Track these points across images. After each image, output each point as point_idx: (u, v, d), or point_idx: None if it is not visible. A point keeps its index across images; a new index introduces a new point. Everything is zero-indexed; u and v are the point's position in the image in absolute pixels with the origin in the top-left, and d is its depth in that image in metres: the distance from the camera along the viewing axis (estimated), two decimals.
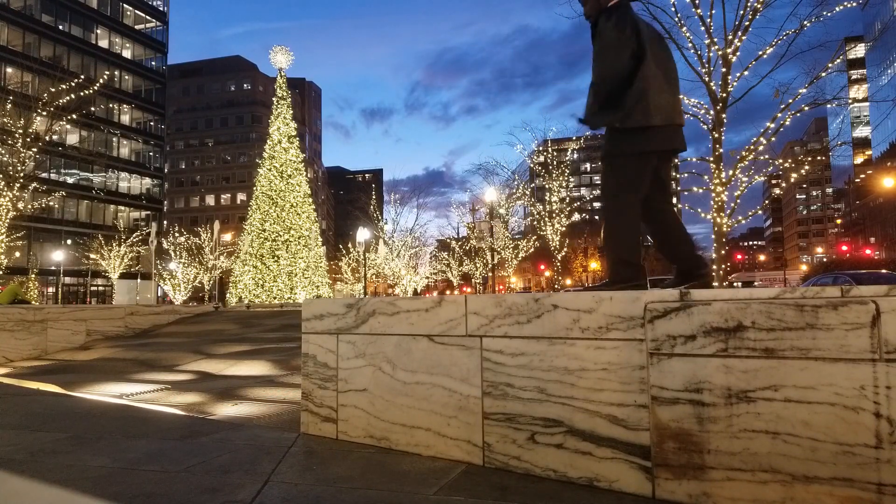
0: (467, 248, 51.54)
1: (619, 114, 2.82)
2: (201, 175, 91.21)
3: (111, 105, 56.72)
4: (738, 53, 15.55)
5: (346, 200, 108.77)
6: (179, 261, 47.03)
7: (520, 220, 52.50)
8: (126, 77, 59.56)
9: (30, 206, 32.95)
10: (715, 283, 17.35)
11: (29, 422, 3.50)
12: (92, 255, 44.57)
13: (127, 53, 60.30)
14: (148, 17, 63.51)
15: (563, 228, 38.64)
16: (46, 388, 5.40)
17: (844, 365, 1.71)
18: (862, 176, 71.12)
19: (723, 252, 16.55)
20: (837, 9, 15.44)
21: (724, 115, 15.66)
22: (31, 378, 6.18)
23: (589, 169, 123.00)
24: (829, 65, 15.85)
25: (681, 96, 3.22)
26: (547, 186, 40.37)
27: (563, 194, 40.04)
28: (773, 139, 16.26)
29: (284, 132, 33.25)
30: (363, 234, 39.66)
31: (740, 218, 17.00)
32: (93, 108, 47.43)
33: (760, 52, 15.70)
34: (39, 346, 8.62)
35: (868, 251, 62.39)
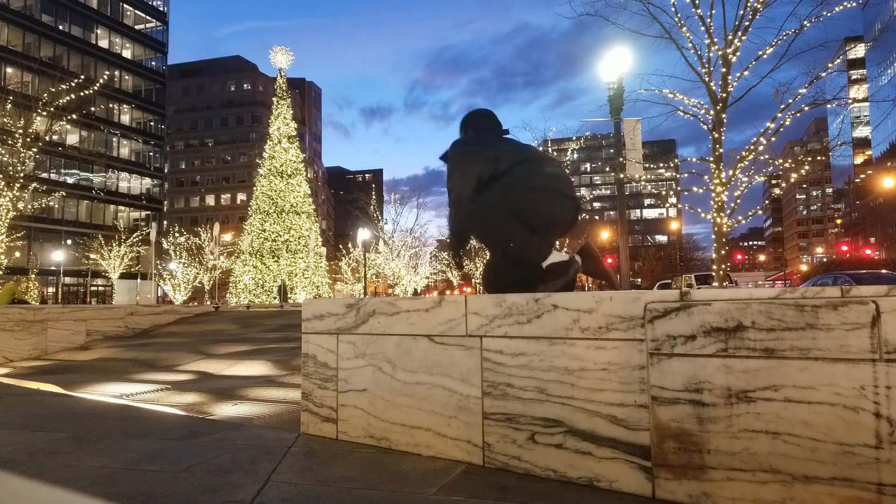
0: (467, 247, 51.45)
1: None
2: (201, 175, 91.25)
3: (111, 105, 56.73)
4: (738, 53, 15.54)
5: (346, 200, 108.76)
6: (179, 261, 47.03)
7: None
8: (126, 77, 59.59)
9: (30, 206, 32.95)
10: (715, 284, 17.36)
11: (29, 422, 3.50)
12: (92, 255, 44.57)
13: (127, 53, 60.33)
14: (148, 17, 63.57)
15: None
16: (46, 388, 5.40)
17: (844, 365, 1.71)
18: (862, 176, 71.12)
19: (723, 252, 16.55)
20: (837, 9, 15.40)
21: (724, 116, 15.65)
22: (31, 378, 6.18)
23: (589, 169, 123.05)
24: (829, 65, 15.81)
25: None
26: None
27: None
28: (773, 139, 16.22)
29: (284, 132, 33.25)
30: (363, 234, 39.66)
31: (740, 218, 16.99)
32: (93, 108, 47.44)
33: (760, 52, 15.67)
34: (39, 346, 8.62)
35: (868, 251, 62.46)
